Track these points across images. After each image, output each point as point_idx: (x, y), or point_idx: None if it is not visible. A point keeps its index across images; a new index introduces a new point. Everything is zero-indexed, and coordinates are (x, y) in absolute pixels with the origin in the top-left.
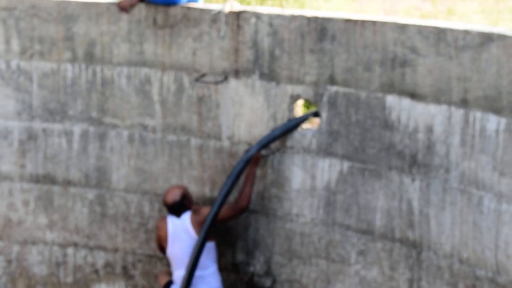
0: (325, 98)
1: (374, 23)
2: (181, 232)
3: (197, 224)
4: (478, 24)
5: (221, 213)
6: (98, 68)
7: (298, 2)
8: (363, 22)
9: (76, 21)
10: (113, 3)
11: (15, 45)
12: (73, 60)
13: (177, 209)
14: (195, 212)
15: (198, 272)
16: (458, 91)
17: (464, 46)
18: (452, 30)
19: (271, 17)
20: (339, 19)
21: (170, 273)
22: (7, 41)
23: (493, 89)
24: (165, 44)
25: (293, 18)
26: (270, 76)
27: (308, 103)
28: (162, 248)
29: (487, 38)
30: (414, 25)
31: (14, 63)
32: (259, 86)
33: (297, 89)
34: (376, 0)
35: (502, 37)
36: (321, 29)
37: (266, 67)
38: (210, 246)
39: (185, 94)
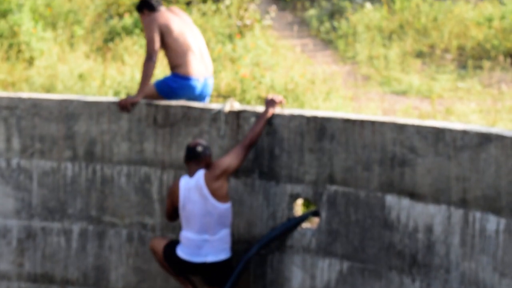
0: (324, 197)
1: (373, 123)
2: (193, 192)
3: (212, 179)
4: (476, 124)
5: (230, 164)
6: (98, 167)
7: (297, 102)
8: (362, 122)
9: (77, 120)
10: (114, 102)
11: (16, 143)
12: (73, 158)
13: (195, 155)
14: (209, 168)
15: (205, 237)
16: (457, 191)
17: (462, 146)
18: (450, 130)
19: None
20: (338, 118)
21: (164, 238)
22: (8, 140)
23: (492, 189)
24: (165, 142)
25: (292, 117)
26: (269, 175)
27: (307, 202)
28: (174, 211)
29: (485, 138)
30: (412, 125)
31: (14, 162)
32: (258, 185)
33: (297, 188)
34: (375, 100)
35: (500, 138)
36: (320, 129)
37: (265, 166)
38: (224, 209)
39: None
